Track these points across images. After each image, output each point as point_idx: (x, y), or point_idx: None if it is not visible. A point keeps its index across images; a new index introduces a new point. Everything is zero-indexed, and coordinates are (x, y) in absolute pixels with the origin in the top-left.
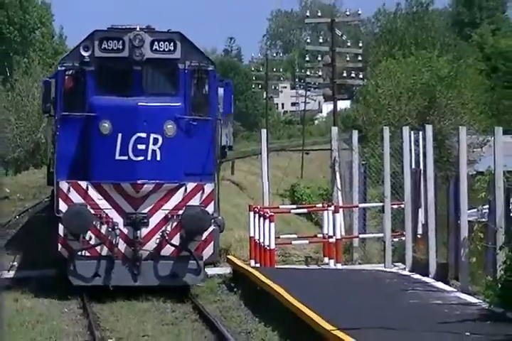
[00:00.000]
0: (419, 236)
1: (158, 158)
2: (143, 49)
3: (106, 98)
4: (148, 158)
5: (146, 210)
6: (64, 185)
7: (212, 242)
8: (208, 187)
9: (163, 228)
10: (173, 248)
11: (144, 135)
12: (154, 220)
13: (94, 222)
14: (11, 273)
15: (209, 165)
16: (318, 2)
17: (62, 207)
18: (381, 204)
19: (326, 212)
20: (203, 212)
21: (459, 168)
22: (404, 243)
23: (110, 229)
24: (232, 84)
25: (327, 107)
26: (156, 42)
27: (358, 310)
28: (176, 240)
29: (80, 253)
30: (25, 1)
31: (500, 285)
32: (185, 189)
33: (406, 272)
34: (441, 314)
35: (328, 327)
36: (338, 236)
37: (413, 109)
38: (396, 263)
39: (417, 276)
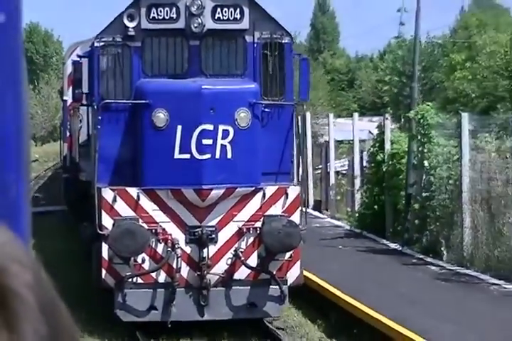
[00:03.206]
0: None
1: (229, 156)
2: (202, 18)
3: (159, 81)
4: (217, 156)
5: (213, 223)
6: (108, 194)
7: (299, 261)
8: (293, 191)
9: (236, 245)
10: (250, 270)
11: (210, 127)
12: (224, 235)
13: (150, 242)
14: (40, 209)
15: (286, 162)
16: None
17: (107, 222)
18: None
19: None
20: (291, 225)
21: (329, 138)
22: None
23: (169, 249)
24: (309, 61)
25: None
26: (218, 9)
27: None
28: (252, 260)
29: (130, 280)
30: (47, 39)
31: (357, 214)
32: (264, 194)
33: None
34: (321, 233)
35: None
36: None
37: None
38: None
39: None
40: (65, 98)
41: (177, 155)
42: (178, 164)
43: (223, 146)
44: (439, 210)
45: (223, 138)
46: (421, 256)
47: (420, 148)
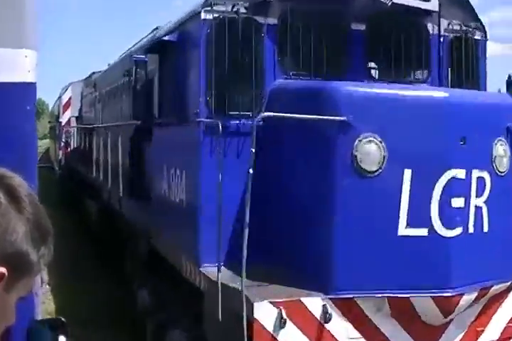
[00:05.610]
0: None
1: (486, 228)
2: None
3: (354, 85)
4: (470, 230)
5: None
6: (267, 312)
7: None
8: None
9: None
10: None
11: (462, 173)
12: None
13: None
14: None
15: None
16: None
17: None
18: None
19: None
20: None
21: None
22: None
23: None
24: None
25: None
26: None
27: None
28: None
29: None
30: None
31: None
32: None
33: None
34: None
35: None
36: None
37: None
38: None
39: None
40: (60, 120)
41: (402, 230)
42: (404, 247)
43: (478, 210)
44: None
45: (478, 194)
46: None
47: None
